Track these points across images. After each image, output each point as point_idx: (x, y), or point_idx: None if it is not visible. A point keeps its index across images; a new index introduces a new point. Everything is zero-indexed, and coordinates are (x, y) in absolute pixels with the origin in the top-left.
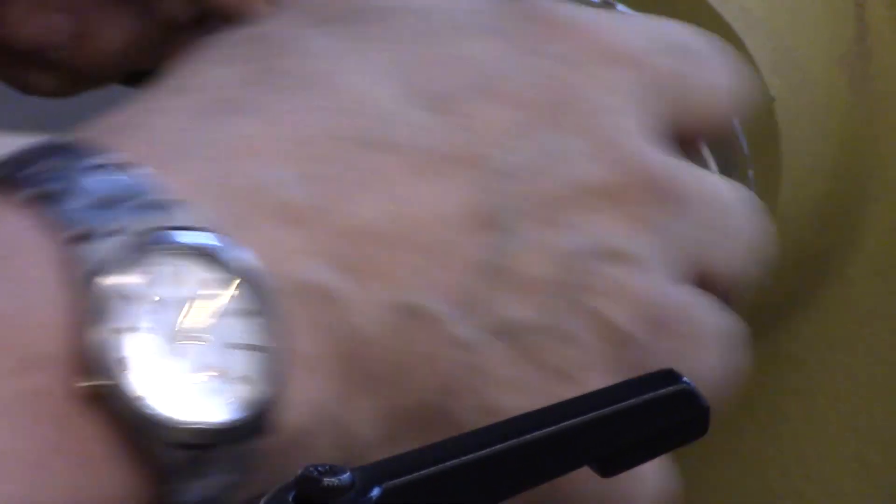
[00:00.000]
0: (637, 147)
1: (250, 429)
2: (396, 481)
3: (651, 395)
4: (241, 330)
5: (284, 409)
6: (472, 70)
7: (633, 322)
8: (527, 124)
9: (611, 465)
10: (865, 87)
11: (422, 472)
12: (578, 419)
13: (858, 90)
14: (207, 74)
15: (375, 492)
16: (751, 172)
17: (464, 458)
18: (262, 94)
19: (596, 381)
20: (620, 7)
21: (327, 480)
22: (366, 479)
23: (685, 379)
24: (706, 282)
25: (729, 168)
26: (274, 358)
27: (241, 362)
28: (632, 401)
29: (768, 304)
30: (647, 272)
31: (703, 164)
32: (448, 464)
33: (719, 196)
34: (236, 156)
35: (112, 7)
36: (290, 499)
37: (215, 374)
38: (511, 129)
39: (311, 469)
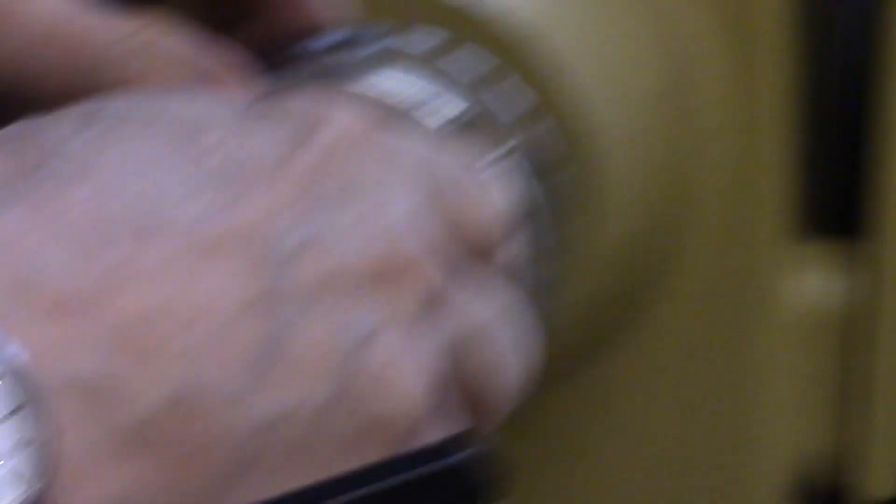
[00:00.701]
0: (412, 241)
1: None
2: None
3: (415, 474)
4: (10, 426)
5: None
6: (245, 156)
7: (422, 394)
8: (307, 206)
9: None
10: (686, 122)
11: None
12: (336, 500)
13: (680, 125)
14: None
15: None
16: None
17: None
18: (25, 188)
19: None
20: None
21: None
22: None
23: (457, 456)
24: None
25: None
26: (41, 452)
27: (14, 459)
28: (392, 481)
29: (582, 341)
30: (419, 360)
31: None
32: None
33: (484, 321)
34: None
35: None
36: None
37: None
38: (292, 211)
39: None
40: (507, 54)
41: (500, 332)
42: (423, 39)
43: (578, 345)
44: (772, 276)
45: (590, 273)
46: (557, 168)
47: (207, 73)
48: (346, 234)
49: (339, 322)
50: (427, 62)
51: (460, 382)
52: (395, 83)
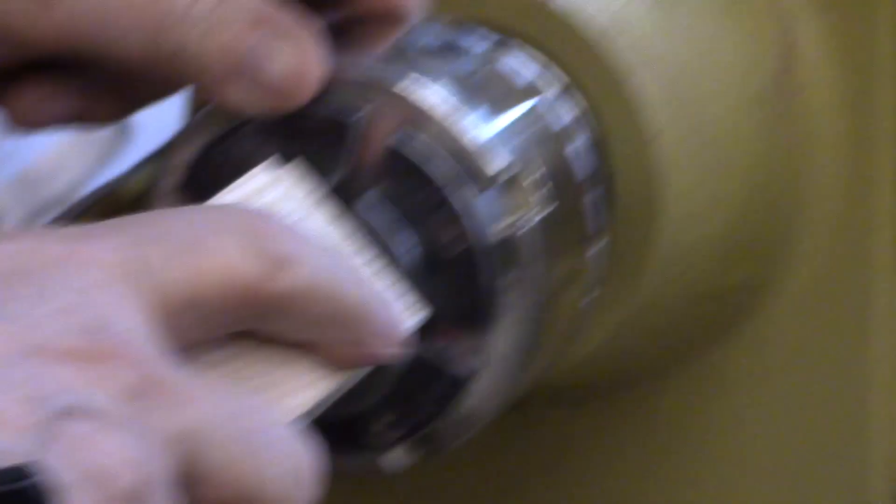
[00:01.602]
0: (127, 335)
1: None
2: None
3: None
4: None
5: None
6: None
7: (124, 482)
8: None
9: None
10: (787, 124)
11: None
12: None
13: (778, 127)
14: None
15: None
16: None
17: None
18: None
19: None
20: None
21: None
22: None
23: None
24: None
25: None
26: None
27: None
28: None
29: (693, 336)
30: (131, 439)
31: None
32: None
33: (226, 411)
34: None
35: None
36: None
37: None
38: None
39: None
40: (569, 52)
41: (256, 427)
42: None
43: (678, 344)
44: (890, 284)
45: (671, 274)
46: (596, 180)
47: (277, 25)
48: (43, 315)
49: (33, 392)
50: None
51: (205, 479)
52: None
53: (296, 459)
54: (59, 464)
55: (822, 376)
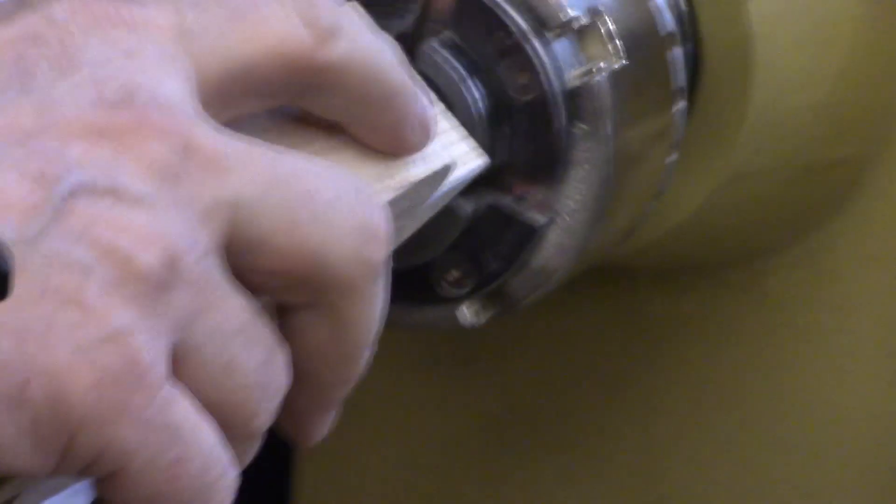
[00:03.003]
0: (164, 101)
1: None
2: None
3: None
4: None
5: None
6: None
7: (148, 259)
8: (26, 63)
9: None
10: None
11: None
12: None
13: None
14: None
15: None
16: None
17: None
18: None
19: (118, 311)
20: None
21: None
22: None
23: None
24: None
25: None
26: None
27: None
28: None
29: (800, 212)
30: (156, 214)
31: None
32: None
33: (276, 173)
34: None
35: None
36: None
37: None
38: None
39: None
40: None
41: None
42: None
43: (784, 221)
44: None
45: (767, 142)
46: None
47: None
48: (66, 88)
49: (43, 171)
50: None
51: (257, 247)
52: None
53: (362, 217)
54: (67, 244)
55: None
